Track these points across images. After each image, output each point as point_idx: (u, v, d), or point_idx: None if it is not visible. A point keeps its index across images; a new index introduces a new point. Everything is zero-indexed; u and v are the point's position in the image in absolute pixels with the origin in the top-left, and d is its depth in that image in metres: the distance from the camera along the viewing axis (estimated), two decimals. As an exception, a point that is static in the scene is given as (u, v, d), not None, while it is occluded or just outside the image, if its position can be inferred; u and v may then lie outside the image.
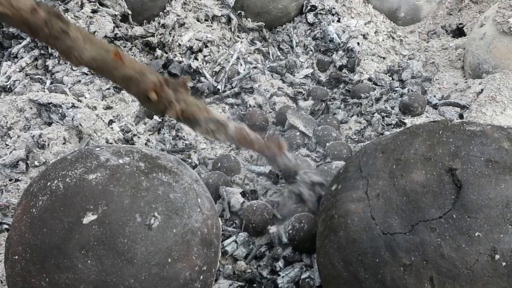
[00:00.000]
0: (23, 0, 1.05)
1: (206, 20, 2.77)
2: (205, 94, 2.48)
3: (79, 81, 2.41)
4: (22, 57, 2.53)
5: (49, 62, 2.51)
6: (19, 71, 2.46)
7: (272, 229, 1.72)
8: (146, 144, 2.16)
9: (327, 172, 1.87)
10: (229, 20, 2.83)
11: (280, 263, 1.66)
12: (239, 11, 2.87)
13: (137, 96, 1.32)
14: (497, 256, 1.02)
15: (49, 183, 1.22)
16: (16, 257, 1.18)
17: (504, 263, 1.02)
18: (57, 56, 2.51)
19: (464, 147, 1.14)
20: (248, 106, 2.41)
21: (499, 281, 1.02)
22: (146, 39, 2.64)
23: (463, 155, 1.13)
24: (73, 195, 1.17)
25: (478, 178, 1.08)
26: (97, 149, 1.33)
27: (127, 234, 1.15)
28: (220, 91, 2.48)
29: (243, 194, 1.87)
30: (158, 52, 2.57)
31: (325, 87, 2.60)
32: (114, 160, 1.27)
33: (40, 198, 1.20)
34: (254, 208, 1.76)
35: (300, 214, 1.71)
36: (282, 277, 1.59)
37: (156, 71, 1.34)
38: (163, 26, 2.66)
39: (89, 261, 1.12)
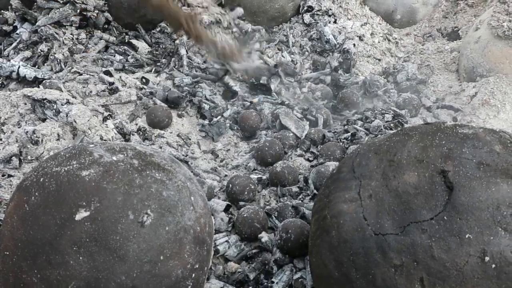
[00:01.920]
0: None
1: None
2: None
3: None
4: (12, 58, 2.53)
5: (39, 62, 2.52)
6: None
7: (264, 237, 1.73)
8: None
9: (323, 174, 1.89)
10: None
11: (274, 266, 1.67)
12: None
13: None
14: (487, 258, 1.03)
15: (42, 179, 1.21)
16: (8, 252, 1.18)
17: (493, 265, 1.03)
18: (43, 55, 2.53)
19: (457, 150, 1.15)
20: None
21: (489, 282, 1.03)
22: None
23: (455, 158, 1.13)
24: (66, 192, 1.17)
25: (470, 180, 1.09)
26: (91, 145, 1.32)
27: (119, 231, 1.15)
28: None
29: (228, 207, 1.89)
30: None
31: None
32: (108, 157, 1.27)
33: (32, 194, 1.19)
34: (245, 217, 1.77)
35: (287, 223, 1.71)
36: (277, 283, 1.60)
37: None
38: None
39: (81, 258, 1.12)
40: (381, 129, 2.20)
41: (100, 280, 1.12)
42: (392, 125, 2.30)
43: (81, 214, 1.14)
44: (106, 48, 2.72)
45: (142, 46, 2.73)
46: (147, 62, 2.66)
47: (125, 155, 1.30)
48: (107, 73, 2.47)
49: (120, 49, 2.69)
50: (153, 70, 2.62)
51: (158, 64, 2.65)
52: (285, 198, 1.94)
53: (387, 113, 2.37)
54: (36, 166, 1.32)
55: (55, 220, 1.14)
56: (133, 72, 2.58)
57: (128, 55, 2.67)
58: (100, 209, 1.15)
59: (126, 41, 2.73)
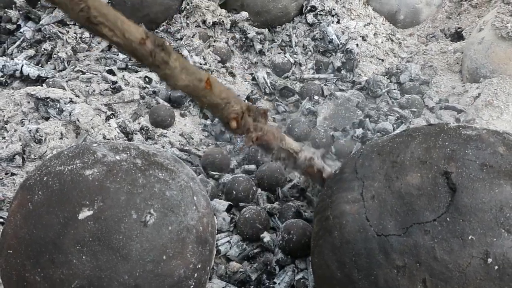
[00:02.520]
0: (134, 32, 1.14)
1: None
2: None
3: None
4: (16, 57, 2.53)
5: (42, 61, 2.52)
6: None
7: (266, 237, 1.73)
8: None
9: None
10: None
11: (276, 267, 1.67)
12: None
13: (219, 119, 1.43)
14: (489, 260, 1.03)
15: (45, 178, 1.22)
16: (11, 251, 1.18)
17: (496, 267, 1.03)
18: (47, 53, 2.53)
19: (460, 151, 1.15)
20: None
21: (491, 284, 1.03)
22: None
23: (458, 159, 1.13)
24: (69, 191, 1.17)
25: (473, 182, 1.09)
26: (94, 145, 1.33)
27: (122, 231, 1.15)
28: None
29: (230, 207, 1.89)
30: None
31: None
32: (111, 156, 1.27)
33: (36, 192, 1.20)
34: (247, 218, 1.77)
35: (289, 224, 1.71)
36: (278, 283, 1.60)
37: (241, 100, 1.45)
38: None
39: (84, 257, 1.12)
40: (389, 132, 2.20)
41: (103, 279, 1.13)
42: (395, 126, 2.30)
43: (84, 213, 1.15)
44: (109, 47, 2.73)
45: None
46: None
47: (128, 154, 1.30)
48: (110, 72, 2.47)
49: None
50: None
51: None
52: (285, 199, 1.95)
53: (390, 115, 2.37)
54: (40, 165, 1.32)
55: (59, 219, 1.14)
56: (136, 71, 2.58)
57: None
58: (103, 209, 1.16)
59: None
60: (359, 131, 2.26)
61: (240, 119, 1.38)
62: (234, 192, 1.89)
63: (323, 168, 1.66)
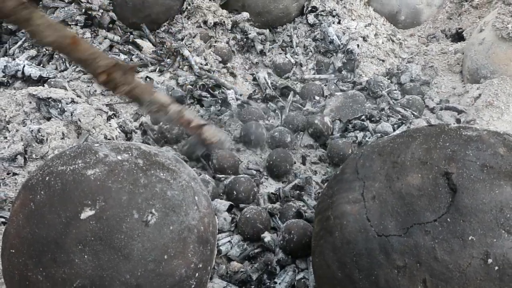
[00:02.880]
0: None
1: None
2: None
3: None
4: (17, 57, 2.54)
5: (44, 61, 2.53)
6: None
7: (267, 237, 1.74)
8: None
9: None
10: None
11: (277, 267, 1.67)
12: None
13: (92, 76, 1.58)
14: (489, 260, 1.03)
15: (47, 178, 1.22)
16: (13, 250, 1.19)
17: (496, 267, 1.03)
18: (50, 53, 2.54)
19: (460, 152, 1.16)
20: None
21: (491, 284, 1.03)
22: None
23: (459, 160, 1.14)
24: (71, 190, 1.18)
25: (473, 182, 1.10)
26: (96, 145, 1.33)
27: (124, 230, 1.16)
28: None
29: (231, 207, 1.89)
30: None
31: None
32: (113, 156, 1.27)
33: (38, 192, 1.20)
34: (248, 218, 1.78)
35: (289, 224, 1.72)
36: (279, 283, 1.61)
37: (109, 57, 1.60)
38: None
39: (86, 256, 1.13)
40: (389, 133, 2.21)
41: (105, 278, 1.13)
42: (396, 126, 2.31)
43: (86, 213, 1.15)
44: (111, 47, 2.73)
45: (146, 45, 2.74)
46: (151, 61, 2.67)
47: (130, 154, 1.31)
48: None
49: (124, 49, 2.70)
50: (157, 70, 2.63)
51: (162, 63, 2.66)
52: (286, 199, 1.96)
53: (392, 117, 2.37)
54: (42, 165, 1.33)
55: (61, 218, 1.15)
56: (137, 72, 2.59)
57: (133, 55, 2.68)
58: (105, 208, 1.16)
59: (131, 40, 2.74)
60: (360, 134, 2.27)
61: (108, 74, 1.52)
62: (235, 193, 1.89)
63: (194, 119, 1.86)
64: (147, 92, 1.69)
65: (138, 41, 2.76)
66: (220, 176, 2.01)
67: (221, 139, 2.02)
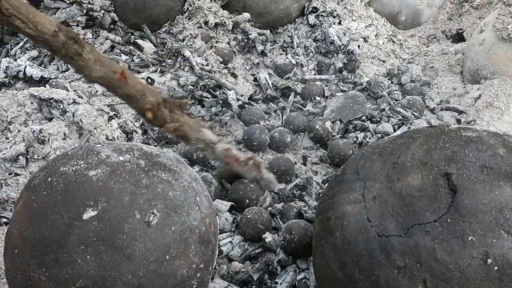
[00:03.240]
0: (47, 25, 1.22)
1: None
2: None
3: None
4: (19, 58, 2.55)
5: (45, 62, 2.54)
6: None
7: (268, 238, 1.74)
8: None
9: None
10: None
11: (278, 267, 1.68)
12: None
13: (138, 112, 1.52)
14: (489, 260, 1.04)
15: (50, 179, 1.23)
16: (16, 251, 1.20)
17: (496, 267, 1.04)
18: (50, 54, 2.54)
19: (460, 153, 1.16)
20: None
21: (491, 285, 1.04)
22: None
23: (459, 161, 1.15)
24: (73, 191, 1.19)
25: (473, 183, 1.10)
26: (98, 145, 1.34)
27: (126, 231, 1.16)
28: None
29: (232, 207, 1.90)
30: None
31: None
32: (115, 157, 1.28)
33: (41, 193, 1.21)
34: (249, 218, 1.79)
35: (290, 224, 1.73)
36: (280, 283, 1.61)
37: (158, 92, 1.53)
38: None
39: (88, 257, 1.14)
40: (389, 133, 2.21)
41: (107, 278, 1.14)
42: (396, 126, 2.31)
43: (89, 214, 1.16)
44: (112, 48, 2.74)
45: (147, 46, 2.75)
46: (153, 62, 2.68)
47: (132, 155, 1.31)
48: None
49: (126, 49, 2.71)
50: (158, 70, 2.64)
51: (163, 64, 2.66)
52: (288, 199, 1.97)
53: (393, 117, 2.37)
54: (44, 165, 1.34)
55: (63, 219, 1.16)
56: (139, 72, 2.59)
57: (134, 55, 2.69)
58: (107, 209, 1.17)
59: (132, 41, 2.75)
60: (360, 135, 2.27)
61: (156, 110, 1.47)
62: (236, 193, 1.90)
63: (241, 156, 1.82)
64: (195, 129, 1.63)
65: (139, 41, 2.76)
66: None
67: (270, 179, 1.93)
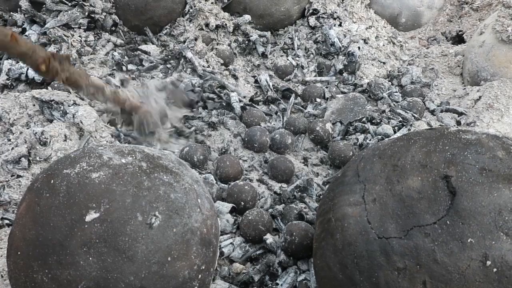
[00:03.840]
0: None
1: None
2: None
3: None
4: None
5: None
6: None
7: (269, 239, 1.75)
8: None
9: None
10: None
11: (278, 268, 1.69)
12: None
13: (32, 67, 1.68)
14: (488, 262, 1.05)
15: (52, 181, 1.24)
16: (19, 252, 1.20)
17: (495, 269, 1.04)
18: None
19: (460, 155, 1.17)
20: None
21: (490, 286, 1.05)
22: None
23: (458, 163, 1.15)
24: (76, 193, 1.20)
25: (472, 185, 1.11)
26: (100, 148, 1.35)
27: (128, 233, 1.17)
28: None
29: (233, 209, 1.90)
30: None
31: None
32: (117, 159, 1.29)
33: (43, 195, 1.22)
34: (250, 220, 1.79)
35: (291, 226, 1.74)
36: (281, 285, 1.62)
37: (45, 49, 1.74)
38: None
39: (90, 258, 1.15)
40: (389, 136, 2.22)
41: (109, 280, 1.15)
42: (396, 128, 2.32)
43: (91, 216, 1.17)
44: (115, 48, 2.76)
45: (152, 48, 2.77)
46: (160, 62, 2.70)
47: (134, 157, 1.32)
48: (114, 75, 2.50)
49: (135, 59, 2.71)
50: (161, 72, 2.65)
51: (168, 66, 2.68)
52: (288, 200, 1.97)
53: (393, 119, 2.38)
54: (47, 167, 1.34)
55: (66, 221, 1.17)
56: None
57: (142, 59, 2.69)
58: (110, 211, 1.18)
59: (135, 48, 2.76)
60: (361, 137, 2.28)
61: (47, 63, 1.65)
62: (237, 195, 1.91)
63: (129, 99, 2.08)
64: (84, 77, 1.86)
65: (143, 47, 2.78)
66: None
67: (155, 120, 2.18)
